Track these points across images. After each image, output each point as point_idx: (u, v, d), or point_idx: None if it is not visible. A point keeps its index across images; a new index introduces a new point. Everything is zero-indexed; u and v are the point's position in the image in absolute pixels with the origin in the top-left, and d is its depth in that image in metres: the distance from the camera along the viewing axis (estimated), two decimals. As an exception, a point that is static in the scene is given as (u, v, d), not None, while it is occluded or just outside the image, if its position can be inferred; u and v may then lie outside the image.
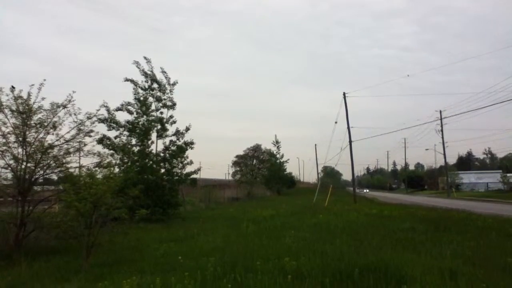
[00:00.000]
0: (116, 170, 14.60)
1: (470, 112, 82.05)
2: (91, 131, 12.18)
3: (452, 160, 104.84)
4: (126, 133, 19.65)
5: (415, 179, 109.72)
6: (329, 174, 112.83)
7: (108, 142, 18.56)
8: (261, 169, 60.28)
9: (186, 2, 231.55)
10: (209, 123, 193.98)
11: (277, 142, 60.66)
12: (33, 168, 10.95)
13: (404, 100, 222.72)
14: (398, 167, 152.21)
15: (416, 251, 9.21)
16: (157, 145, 20.72)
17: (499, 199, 42.83)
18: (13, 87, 10.91)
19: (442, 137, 65.35)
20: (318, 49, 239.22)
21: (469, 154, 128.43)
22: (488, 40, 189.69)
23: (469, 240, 10.77)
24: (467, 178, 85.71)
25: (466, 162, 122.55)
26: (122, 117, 19.89)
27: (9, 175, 11.12)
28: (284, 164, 62.51)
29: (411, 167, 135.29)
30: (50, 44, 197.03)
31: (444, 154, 66.63)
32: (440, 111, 62.81)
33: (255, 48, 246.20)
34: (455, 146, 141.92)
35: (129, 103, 19.95)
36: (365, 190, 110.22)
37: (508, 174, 70.03)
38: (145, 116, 20.13)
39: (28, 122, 10.90)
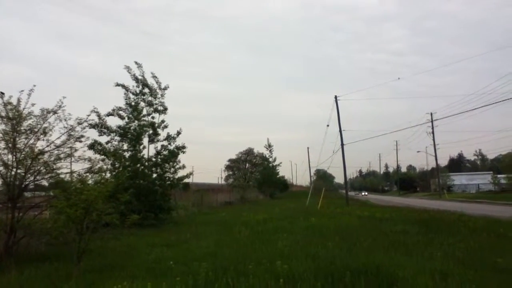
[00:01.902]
0: (108, 175, 14.50)
1: (461, 114, 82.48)
2: (82, 136, 12.08)
3: (443, 162, 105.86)
4: (117, 138, 19.56)
5: (407, 181, 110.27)
6: (322, 177, 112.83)
7: (99, 148, 18.44)
8: (253, 173, 60.30)
9: (181, 7, 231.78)
10: (201, 127, 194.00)
11: (269, 145, 60.67)
12: (23, 174, 10.84)
13: (396, 103, 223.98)
14: (390, 170, 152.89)
15: (407, 253, 9.27)
16: (148, 150, 20.67)
17: (490, 200, 43.20)
18: (2, 93, 10.82)
19: (433, 139, 65.89)
20: (311, 53, 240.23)
21: (460, 156, 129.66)
22: (479, 43, 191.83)
23: (460, 241, 10.86)
24: (459, 179, 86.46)
25: (457, 164, 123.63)
26: (114, 122, 19.84)
27: (-1, 182, 11.03)
28: (277, 168, 62.46)
29: (403, 169, 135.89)
30: (43, 49, 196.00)
31: (436, 156, 67.19)
32: (431, 113, 63.38)
33: (249, 52, 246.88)
34: (446, 148, 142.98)
35: (120, 108, 19.89)
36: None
37: (499, 175, 70.62)
38: (136, 121, 20.04)
39: (18, 128, 10.80)
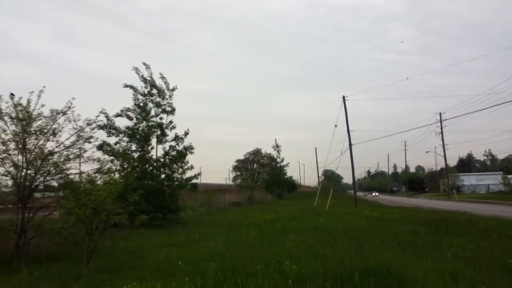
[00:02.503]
0: (116, 176, 14.59)
1: (470, 114, 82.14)
2: (91, 137, 12.18)
3: (452, 162, 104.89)
4: (126, 139, 19.68)
5: (416, 181, 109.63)
6: (330, 178, 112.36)
7: (108, 148, 18.58)
8: (261, 173, 60.31)
9: (185, 8, 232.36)
10: (209, 128, 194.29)
11: (277, 146, 60.71)
12: (33, 175, 10.94)
13: (404, 103, 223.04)
14: (399, 170, 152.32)
15: (417, 254, 9.20)
16: (157, 151, 20.78)
17: (500, 200, 42.79)
18: (12, 94, 10.94)
19: (442, 139, 65.52)
20: (317, 53, 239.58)
21: (470, 156, 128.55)
22: (486, 42, 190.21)
23: (470, 242, 10.75)
24: (468, 180, 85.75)
25: (467, 164, 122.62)
26: (122, 123, 19.95)
27: (9, 182, 11.11)
28: (285, 168, 62.51)
29: (412, 170, 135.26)
30: (49, 50, 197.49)
31: (445, 156, 66.78)
32: (440, 113, 63.05)
33: (255, 52, 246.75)
34: (455, 148, 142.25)
35: (128, 109, 20.02)
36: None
37: (509, 176, 69.88)
38: (144, 122, 20.15)
39: (28, 129, 10.90)
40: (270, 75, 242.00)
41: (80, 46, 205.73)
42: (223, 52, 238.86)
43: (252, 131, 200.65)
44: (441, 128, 64.45)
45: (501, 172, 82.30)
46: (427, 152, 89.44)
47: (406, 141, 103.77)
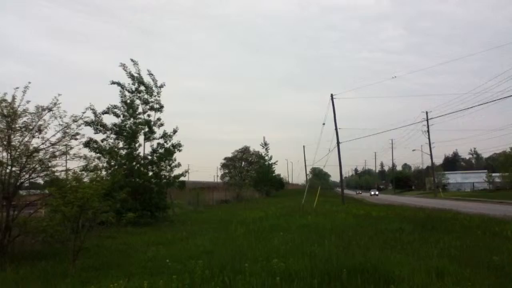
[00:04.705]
0: (103, 173, 14.46)
1: (456, 113, 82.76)
2: (77, 134, 12.04)
3: (438, 160, 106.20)
4: (113, 136, 19.50)
5: (402, 179, 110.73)
6: (318, 176, 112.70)
7: (95, 145, 18.41)
8: (249, 171, 60.27)
9: (177, 5, 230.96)
10: (197, 125, 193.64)
11: (265, 144, 60.66)
12: (18, 172, 10.79)
13: (392, 102, 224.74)
14: (386, 168, 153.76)
15: (404, 251, 9.28)
16: (144, 148, 20.62)
17: (485, 198, 43.41)
18: (-4, 90, 10.76)
19: (429, 138, 66.13)
20: (308, 52, 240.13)
21: (455, 155, 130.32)
22: (474, 43, 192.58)
23: (455, 239, 10.88)
24: (454, 178, 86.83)
25: (452, 162, 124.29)
26: (110, 120, 19.77)
27: (-6, 180, 10.95)
28: (273, 166, 62.49)
29: (399, 168, 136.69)
30: (36, 45, 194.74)
31: (431, 155, 67.42)
32: (427, 112, 63.64)
33: (245, 51, 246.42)
34: (441, 146, 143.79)
35: (115, 106, 19.81)
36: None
37: (493, 174, 70.99)
38: (132, 119, 19.98)
39: (13, 126, 10.74)
40: (260, 73, 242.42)
41: (71, 42, 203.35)
42: (214, 50, 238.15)
43: (241, 129, 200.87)
44: (428, 127, 65.15)
45: (486, 171, 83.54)
46: (413, 150, 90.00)
47: (393, 140, 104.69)
